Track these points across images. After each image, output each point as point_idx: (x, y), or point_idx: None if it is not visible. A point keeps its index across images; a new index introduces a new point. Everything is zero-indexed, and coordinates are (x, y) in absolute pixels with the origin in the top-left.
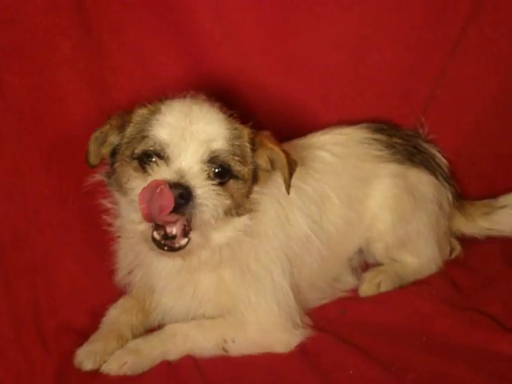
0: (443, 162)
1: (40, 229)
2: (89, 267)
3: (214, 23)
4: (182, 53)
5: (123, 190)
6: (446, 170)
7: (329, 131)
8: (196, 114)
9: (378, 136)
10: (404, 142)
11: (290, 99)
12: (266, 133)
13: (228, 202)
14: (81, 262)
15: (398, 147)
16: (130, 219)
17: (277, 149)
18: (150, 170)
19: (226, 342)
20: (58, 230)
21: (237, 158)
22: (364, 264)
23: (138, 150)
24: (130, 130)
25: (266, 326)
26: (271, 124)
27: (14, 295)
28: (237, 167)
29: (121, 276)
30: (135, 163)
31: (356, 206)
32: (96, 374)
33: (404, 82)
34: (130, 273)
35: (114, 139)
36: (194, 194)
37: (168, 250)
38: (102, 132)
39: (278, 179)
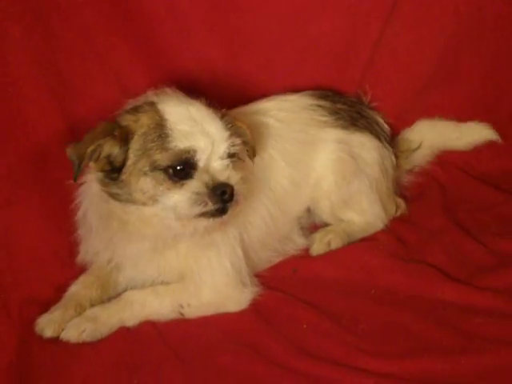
0: (385, 126)
1: (1, 207)
2: (50, 243)
3: (158, 1)
4: (129, 34)
5: (140, 198)
6: (388, 133)
7: (273, 98)
8: (198, 115)
9: (322, 102)
10: (348, 108)
11: (234, 71)
12: (225, 110)
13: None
14: (42, 237)
15: (341, 113)
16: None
17: (243, 125)
18: (183, 178)
19: (181, 306)
20: (18, 207)
21: (240, 143)
22: (313, 225)
23: (164, 163)
24: (138, 143)
25: (219, 287)
26: (217, 96)
27: None
28: (243, 152)
29: (86, 256)
30: (161, 174)
31: (301, 167)
32: (57, 341)
33: (343, 50)
34: (96, 254)
35: (113, 151)
36: (234, 188)
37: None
38: (99, 145)
39: None
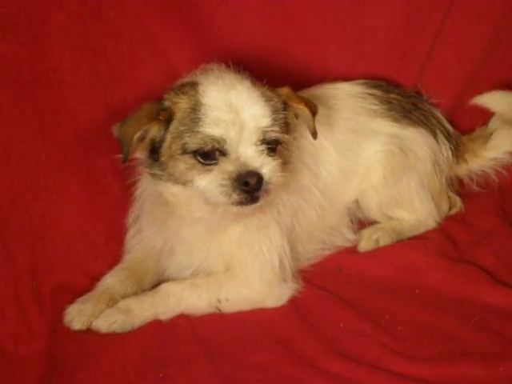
0: (443, 120)
1: (36, 193)
2: (86, 231)
3: None
4: (181, 19)
5: (178, 180)
6: (446, 126)
7: (324, 86)
8: (237, 101)
9: (373, 91)
10: (402, 99)
11: (287, 59)
12: (287, 89)
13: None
14: (77, 226)
15: (394, 103)
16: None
17: (302, 106)
18: (212, 164)
19: (219, 301)
20: (54, 194)
21: (282, 130)
22: (361, 222)
23: (193, 146)
24: (175, 126)
25: (263, 280)
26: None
27: (12, 258)
28: (283, 137)
29: (136, 242)
30: (191, 159)
31: (351, 156)
32: (86, 330)
33: (402, 42)
34: (148, 238)
35: (156, 133)
36: (264, 177)
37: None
38: (146, 130)
39: None
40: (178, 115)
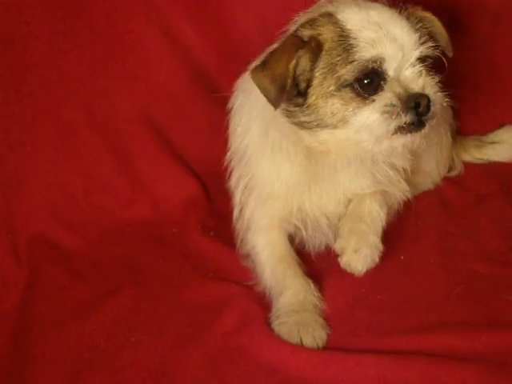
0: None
1: (10, 146)
2: (63, 183)
3: None
4: None
5: (328, 123)
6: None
7: None
8: (382, 19)
9: None
10: None
11: None
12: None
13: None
14: (55, 178)
15: None
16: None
17: (430, 15)
18: (372, 95)
19: None
20: (29, 147)
21: (430, 44)
22: None
23: (351, 77)
24: (324, 60)
25: None
26: None
27: None
28: (436, 53)
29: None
30: (348, 93)
31: None
32: (62, 290)
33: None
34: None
35: (304, 67)
36: (431, 99)
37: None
38: (299, 57)
39: None
40: (326, 46)
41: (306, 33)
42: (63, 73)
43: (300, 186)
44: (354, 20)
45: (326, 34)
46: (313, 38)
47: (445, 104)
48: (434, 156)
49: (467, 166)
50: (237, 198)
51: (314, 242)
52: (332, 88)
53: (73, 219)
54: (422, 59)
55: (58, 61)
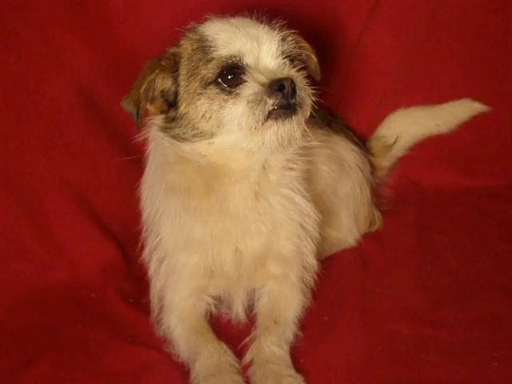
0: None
1: None
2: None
3: None
4: (87, 32)
5: (204, 130)
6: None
7: None
8: (242, 24)
9: None
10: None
11: None
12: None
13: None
14: None
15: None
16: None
17: (301, 39)
18: (236, 88)
19: None
20: None
21: (295, 44)
22: None
23: (213, 73)
24: (185, 67)
25: None
26: None
27: None
28: (300, 52)
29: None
30: (213, 89)
31: None
32: None
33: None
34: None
35: (165, 84)
36: (295, 82)
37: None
38: (150, 81)
39: None
40: (185, 55)
41: (167, 53)
42: None
43: (200, 236)
44: (213, 27)
45: (186, 44)
46: (165, 56)
47: (312, 97)
48: (352, 212)
49: (386, 219)
50: (151, 271)
51: (232, 310)
52: (198, 89)
53: None
54: (287, 56)
55: None
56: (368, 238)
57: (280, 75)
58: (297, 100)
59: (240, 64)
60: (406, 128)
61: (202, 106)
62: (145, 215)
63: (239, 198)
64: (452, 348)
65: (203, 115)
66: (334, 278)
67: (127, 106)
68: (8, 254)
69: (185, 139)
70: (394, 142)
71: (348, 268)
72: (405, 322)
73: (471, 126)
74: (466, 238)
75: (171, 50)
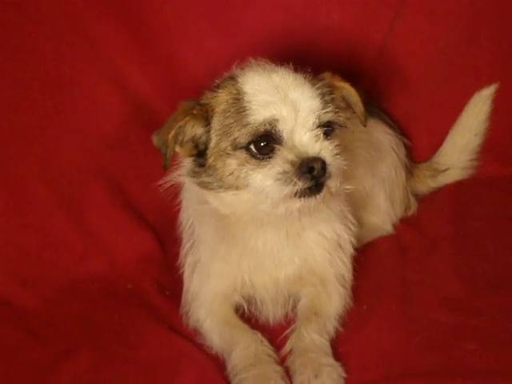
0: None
1: None
2: (16, 239)
3: None
4: (123, 22)
5: (229, 185)
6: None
7: None
8: (282, 82)
9: None
10: None
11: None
12: (328, 73)
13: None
14: (6, 233)
15: None
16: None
17: (347, 86)
18: (266, 158)
19: None
20: None
21: (335, 111)
22: None
23: (244, 139)
24: (218, 121)
25: None
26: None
27: None
28: (338, 119)
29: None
30: (243, 153)
31: None
32: None
33: (352, 43)
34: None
35: (196, 131)
36: (326, 162)
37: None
38: (180, 127)
39: None
40: (219, 109)
41: (204, 99)
42: (14, 126)
43: (234, 263)
44: (252, 83)
45: (222, 96)
46: (202, 105)
47: (344, 167)
48: (388, 195)
49: (422, 206)
50: (185, 271)
51: (267, 313)
52: (228, 149)
53: (26, 276)
54: (323, 124)
55: (9, 114)
56: (404, 225)
57: (311, 152)
58: (326, 177)
59: (273, 131)
60: (457, 158)
61: (230, 166)
62: (181, 218)
63: (270, 240)
64: (491, 336)
65: (230, 173)
66: (372, 266)
67: (157, 141)
68: (46, 245)
69: (211, 189)
70: (445, 170)
71: (385, 256)
72: (443, 311)
73: (507, 113)
74: (503, 225)
75: (207, 96)
